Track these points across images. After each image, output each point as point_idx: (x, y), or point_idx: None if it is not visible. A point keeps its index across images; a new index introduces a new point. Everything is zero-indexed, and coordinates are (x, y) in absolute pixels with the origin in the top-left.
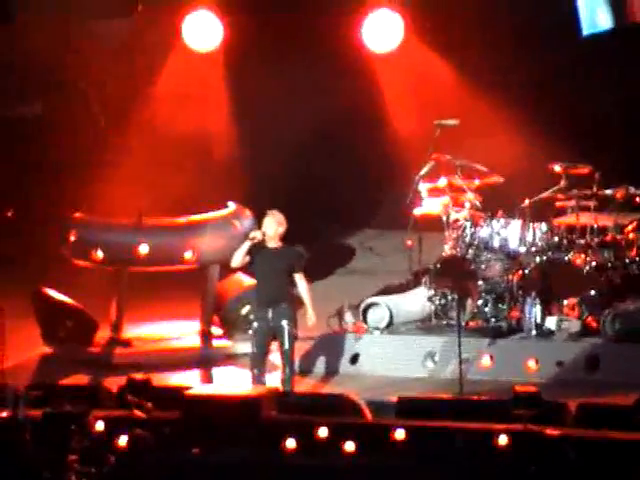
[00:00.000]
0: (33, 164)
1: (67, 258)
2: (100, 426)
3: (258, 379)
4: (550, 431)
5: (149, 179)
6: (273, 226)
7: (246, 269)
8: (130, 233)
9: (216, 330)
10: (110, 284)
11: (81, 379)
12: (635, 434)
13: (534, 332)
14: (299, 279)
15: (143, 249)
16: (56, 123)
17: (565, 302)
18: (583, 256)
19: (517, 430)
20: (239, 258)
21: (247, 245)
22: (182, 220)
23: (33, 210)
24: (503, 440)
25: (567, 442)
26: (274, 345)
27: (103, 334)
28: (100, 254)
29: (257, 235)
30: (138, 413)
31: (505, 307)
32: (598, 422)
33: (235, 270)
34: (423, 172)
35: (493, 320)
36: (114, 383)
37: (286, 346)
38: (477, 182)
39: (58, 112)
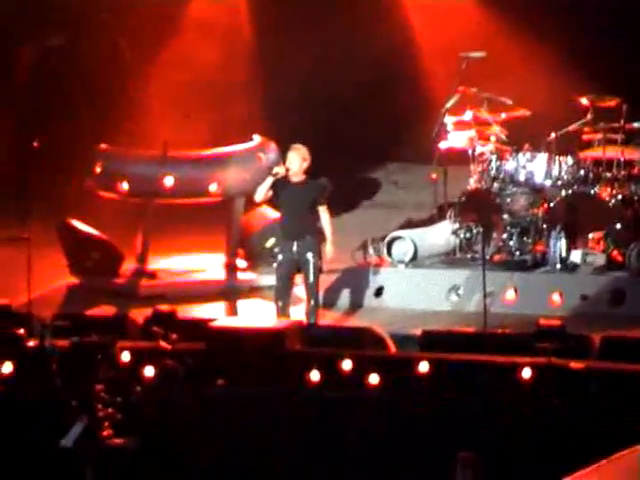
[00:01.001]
0: (59, 96)
1: (93, 190)
2: (126, 356)
3: (282, 311)
4: (574, 364)
5: (175, 112)
6: (297, 161)
7: (271, 203)
8: (155, 165)
9: (241, 262)
10: (136, 216)
11: (107, 310)
12: None
13: (559, 266)
14: (322, 211)
15: (168, 181)
16: (80, 55)
17: (590, 236)
18: (609, 189)
19: (541, 363)
20: (262, 193)
21: (270, 180)
22: (207, 152)
23: (59, 141)
24: (527, 373)
25: (591, 375)
26: (299, 278)
27: (129, 266)
28: (126, 186)
29: (280, 171)
30: (164, 344)
31: (530, 241)
32: (622, 355)
33: (260, 203)
34: (449, 105)
35: (518, 254)
36: (140, 314)
37: (311, 279)
38: (503, 115)
39: (82, 44)
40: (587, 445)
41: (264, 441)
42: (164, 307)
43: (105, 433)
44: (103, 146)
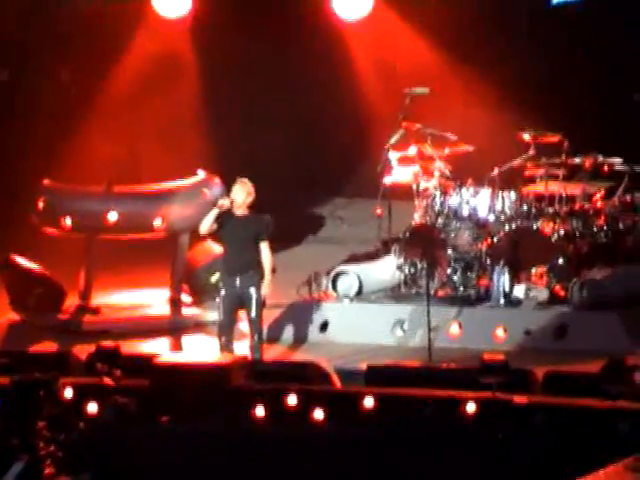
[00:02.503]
0: (1, 130)
1: (36, 225)
2: (69, 393)
3: (226, 347)
4: (518, 399)
5: (119, 148)
6: (242, 194)
7: (215, 237)
8: (99, 201)
9: (185, 298)
10: (79, 252)
11: (50, 346)
12: (601, 402)
13: (502, 300)
14: (264, 247)
15: (112, 217)
16: (23, 90)
17: (533, 270)
18: (552, 224)
19: (485, 398)
20: (207, 225)
21: (215, 212)
22: (151, 188)
23: (1, 178)
24: (471, 408)
25: (534, 409)
26: (242, 313)
27: (72, 301)
28: (69, 221)
29: (225, 203)
30: (107, 380)
31: (474, 275)
32: (565, 390)
33: (205, 238)
34: (393, 141)
35: (462, 288)
36: (83, 351)
37: (253, 314)
38: (447, 151)
39: (25, 79)
40: (534, 478)
41: (211, 476)
42: (108, 343)
43: (47, 472)
44: (46, 181)
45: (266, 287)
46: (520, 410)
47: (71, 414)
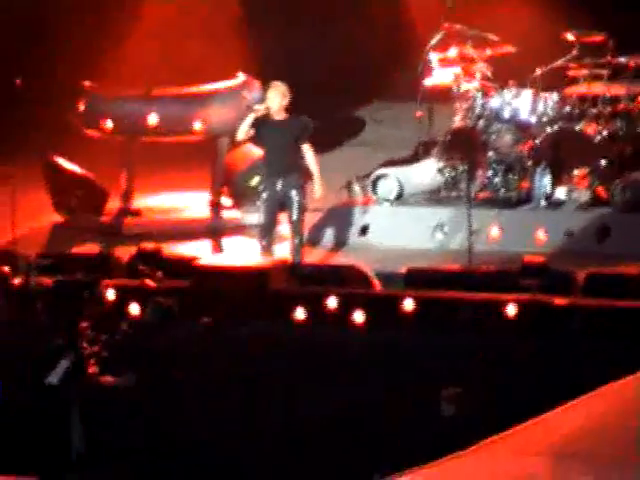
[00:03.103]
0: (43, 32)
1: (78, 128)
2: (111, 294)
3: (267, 249)
4: (558, 300)
5: (159, 49)
6: (277, 99)
7: (255, 141)
8: (139, 103)
9: (226, 201)
10: (120, 154)
11: (92, 248)
12: None
13: (543, 203)
14: (306, 150)
15: (152, 119)
16: None
17: (576, 172)
18: (595, 125)
19: (525, 300)
20: (244, 131)
21: (251, 118)
22: (191, 90)
23: (43, 78)
24: (511, 310)
25: (575, 312)
26: (283, 216)
27: (114, 204)
28: (110, 124)
29: (260, 108)
30: (149, 282)
31: (515, 178)
32: (606, 291)
33: (243, 142)
34: (434, 42)
35: (503, 191)
36: (125, 252)
37: (295, 216)
38: (488, 52)
39: None
40: (571, 382)
41: (253, 377)
42: (149, 245)
43: (91, 370)
44: (87, 83)
45: (318, 188)
46: (561, 312)
47: (114, 315)
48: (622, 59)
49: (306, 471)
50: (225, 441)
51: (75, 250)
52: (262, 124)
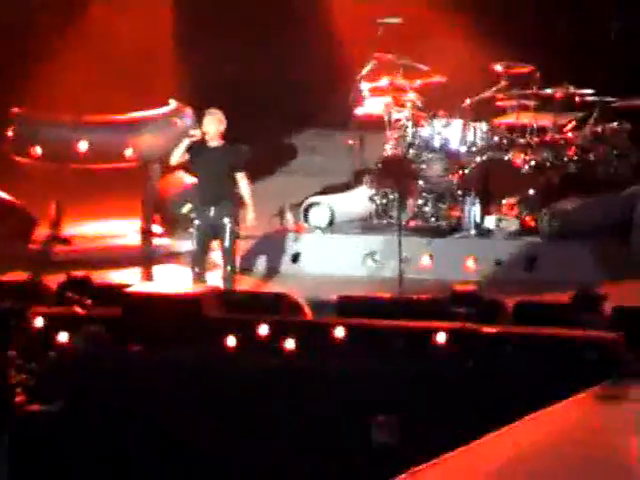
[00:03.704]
0: None
1: (6, 154)
2: (40, 322)
3: (199, 277)
4: (487, 329)
5: (90, 77)
6: (213, 125)
7: (187, 168)
8: (69, 129)
9: (157, 228)
10: (50, 181)
11: (20, 276)
12: (570, 331)
13: (473, 231)
14: (241, 178)
15: (82, 146)
16: None
17: (504, 201)
18: (523, 155)
19: (455, 328)
20: (178, 155)
21: (186, 143)
22: (122, 117)
23: None
24: (441, 338)
25: (504, 339)
26: (215, 243)
27: (43, 231)
28: (39, 150)
29: (197, 133)
30: (78, 310)
31: (445, 207)
32: (535, 320)
33: (176, 168)
34: (365, 71)
35: (433, 219)
36: (54, 280)
37: (227, 244)
38: (419, 82)
39: None
40: (502, 407)
41: (183, 404)
42: (78, 273)
43: (18, 399)
44: (16, 110)
45: (251, 216)
46: (490, 340)
47: (42, 343)
48: (549, 90)
49: None
50: (155, 467)
51: (3, 278)
52: (197, 150)
